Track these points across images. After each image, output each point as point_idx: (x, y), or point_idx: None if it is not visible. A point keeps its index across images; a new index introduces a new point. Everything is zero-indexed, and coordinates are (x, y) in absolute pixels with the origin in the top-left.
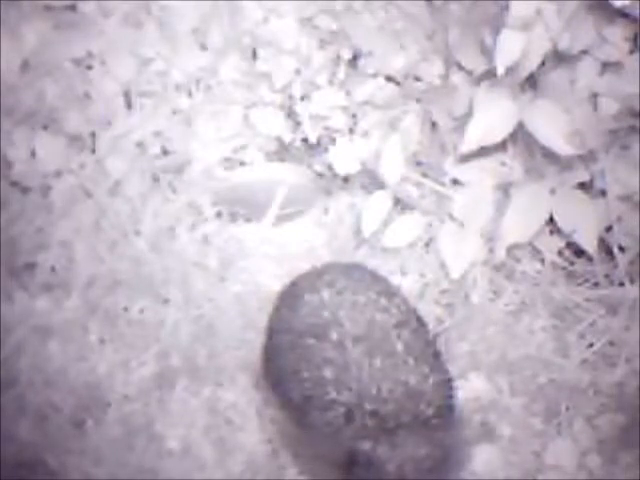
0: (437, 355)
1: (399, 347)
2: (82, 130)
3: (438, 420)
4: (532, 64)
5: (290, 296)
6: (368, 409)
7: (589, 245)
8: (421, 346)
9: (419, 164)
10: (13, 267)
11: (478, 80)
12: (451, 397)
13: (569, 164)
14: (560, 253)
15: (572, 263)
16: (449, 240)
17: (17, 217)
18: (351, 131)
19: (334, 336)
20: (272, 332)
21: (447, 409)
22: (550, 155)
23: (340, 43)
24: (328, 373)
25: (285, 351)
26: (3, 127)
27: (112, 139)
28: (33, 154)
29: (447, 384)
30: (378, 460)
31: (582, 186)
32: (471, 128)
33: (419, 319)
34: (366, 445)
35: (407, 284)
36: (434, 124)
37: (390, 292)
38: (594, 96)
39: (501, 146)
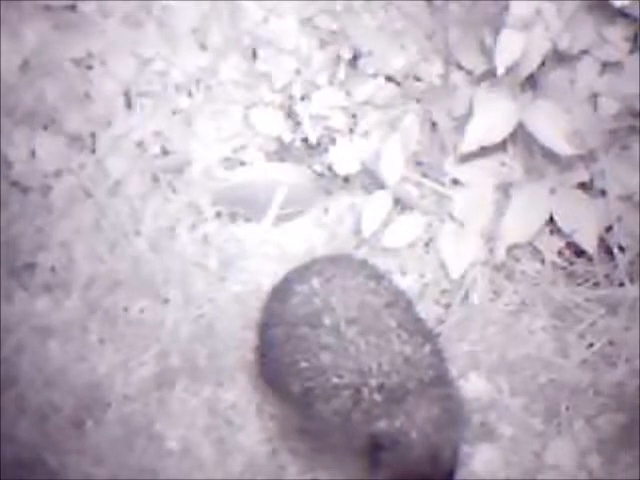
0: (429, 330)
1: (392, 324)
2: (82, 130)
3: (441, 380)
4: (532, 64)
5: (280, 290)
6: (374, 385)
7: (589, 245)
8: (412, 322)
9: (419, 164)
10: (13, 267)
11: (478, 80)
12: (444, 360)
13: (569, 164)
14: (560, 253)
15: (572, 263)
16: (449, 240)
17: (17, 217)
18: (351, 131)
19: (327, 321)
20: (265, 327)
21: (446, 371)
22: (550, 155)
23: (340, 43)
24: (326, 359)
25: (280, 344)
26: (3, 127)
27: (112, 139)
28: (33, 154)
29: (439, 350)
30: (400, 434)
31: (582, 186)
32: (471, 128)
33: (408, 300)
34: (382, 424)
35: (407, 284)
36: (434, 124)
37: (378, 275)
38: (594, 96)
39: (501, 146)
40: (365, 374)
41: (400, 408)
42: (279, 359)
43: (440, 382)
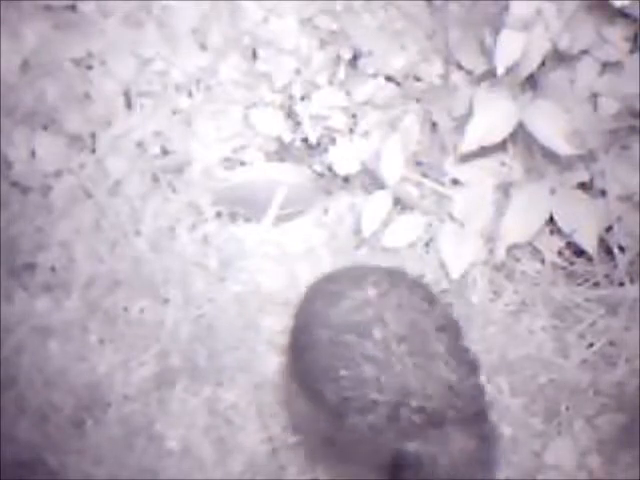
0: (474, 361)
1: (440, 349)
2: (82, 130)
3: (481, 416)
4: (532, 64)
5: (328, 291)
6: (414, 406)
7: (589, 245)
8: (460, 350)
9: (419, 164)
10: (13, 267)
11: (478, 80)
12: (485, 398)
13: (569, 164)
14: (560, 253)
15: (572, 263)
16: (449, 240)
17: (17, 217)
18: (351, 131)
19: (377, 334)
20: (305, 328)
21: (486, 407)
22: (550, 155)
23: (340, 43)
24: (369, 372)
25: (320, 347)
26: (3, 127)
27: (112, 139)
28: (33, 154)
29: (482, 387)
30: (428, 458)
31: (582, 186)
32: (471, 128)
33: (458, 327)
34: (413, 445)
35: None
36: (434, 124)
37: (431, 298)
38: (594, 96)
39: (501, 146)
40: (407, 394)
41: (436, 434)
42: (317, 362)
43: (480, 419)
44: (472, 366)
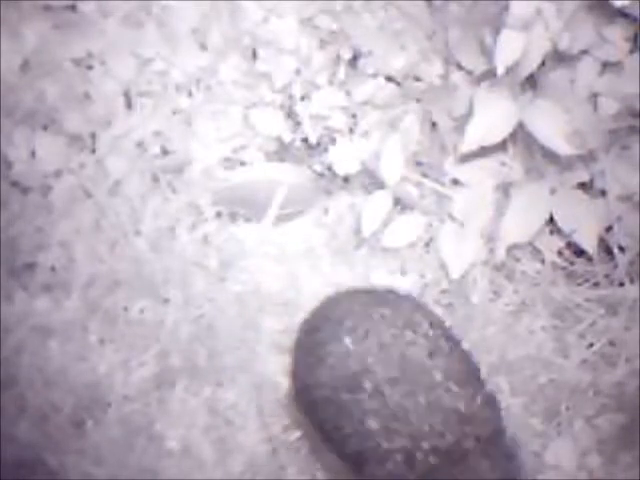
0: (476, 370)
1: (438, 377)
2: (82, 130)
3: (498, 435)
4: (532, 64)
5: (312, 345)
6: (427, 448)
7: (589, 245)
8: (459, 368)
9: (419, 164)
10: (13, 267)
11: (478, 80)
12: (499, 409)
13: (569, 164)
14: (560, 253)
15: (572, 263)
16: (449, 240)
17: (17, 217)
18: (351, 131)
19: (368, 385)
20: (304, 388)
21: (500, 421)
22: (550, 155)
23: (340, 43)
24: (372, 424)
25: (322, 407)
26: (3, 127)
27: (112, 139)
28: (33, 154)
29: (493, 397)
30: None
31: (582, 186)
32: (471, 128)
33: (449, 338)
34: None
35: (407, 284)
36: (434, 124)
37: (415, 319)
38: (594, 96)
39: (501, 146)
40: (417, 438)
41: (460, 470)
42: (324, 422)
43: (499, 434)
44: (475, 381)
